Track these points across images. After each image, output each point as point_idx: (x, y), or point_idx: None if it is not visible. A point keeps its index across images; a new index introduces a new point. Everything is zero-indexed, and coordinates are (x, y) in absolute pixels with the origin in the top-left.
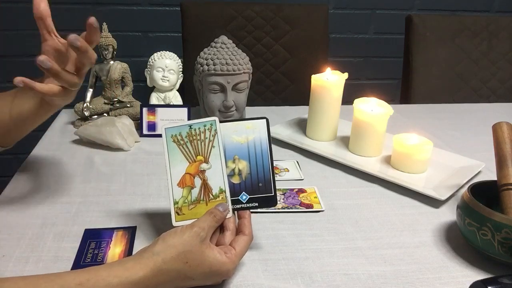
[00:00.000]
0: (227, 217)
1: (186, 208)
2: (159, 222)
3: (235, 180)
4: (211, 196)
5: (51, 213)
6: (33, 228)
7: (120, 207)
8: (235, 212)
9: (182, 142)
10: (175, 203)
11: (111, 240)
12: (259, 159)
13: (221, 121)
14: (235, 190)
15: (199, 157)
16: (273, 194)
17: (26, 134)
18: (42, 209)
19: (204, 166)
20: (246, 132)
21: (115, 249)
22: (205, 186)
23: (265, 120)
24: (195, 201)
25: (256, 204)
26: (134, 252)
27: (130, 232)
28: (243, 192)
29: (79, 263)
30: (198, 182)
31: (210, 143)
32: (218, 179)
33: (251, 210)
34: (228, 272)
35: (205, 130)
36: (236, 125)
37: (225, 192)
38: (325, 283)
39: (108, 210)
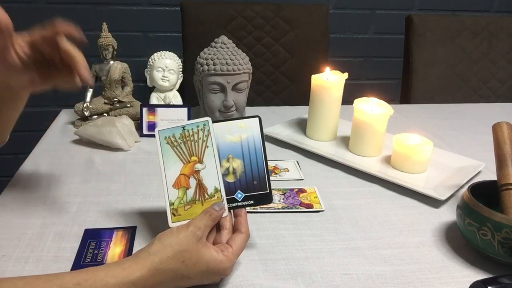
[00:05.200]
0: (223, 216)
1: (182, 209)
2: (159, 222)
3: (230, 179)
4: (206, 195)
5: (51, 213)
6: (33, 228)
7: (120, 207)
8: (231, 210)
9: (175, 143)
10: (171, 204)
11: (111, 240)
12: (253, 157)
13: (214, 121)
14: (230, 189)
15: (193, 158)
16: (268, 191)
17: (8, 126)
18: (42, 209)
19: (198, 166)
20: (239, 131)
21: (115, 249)
22: (200, 186)
23: (257, 118)
24: (191, 202)
25: (252, 202)
26: (134, 252)
27: (130, 232)
28: (238, 191)
29: (79, 263)
30: (193, 182)
31: (204, 143)
32: (213, 179)
33: (248, 209)
34: (226, 270)
35: (198, 131)
36: (229, 125)
37: (220, 191)
38: (325, 283)
39: (108, 210)
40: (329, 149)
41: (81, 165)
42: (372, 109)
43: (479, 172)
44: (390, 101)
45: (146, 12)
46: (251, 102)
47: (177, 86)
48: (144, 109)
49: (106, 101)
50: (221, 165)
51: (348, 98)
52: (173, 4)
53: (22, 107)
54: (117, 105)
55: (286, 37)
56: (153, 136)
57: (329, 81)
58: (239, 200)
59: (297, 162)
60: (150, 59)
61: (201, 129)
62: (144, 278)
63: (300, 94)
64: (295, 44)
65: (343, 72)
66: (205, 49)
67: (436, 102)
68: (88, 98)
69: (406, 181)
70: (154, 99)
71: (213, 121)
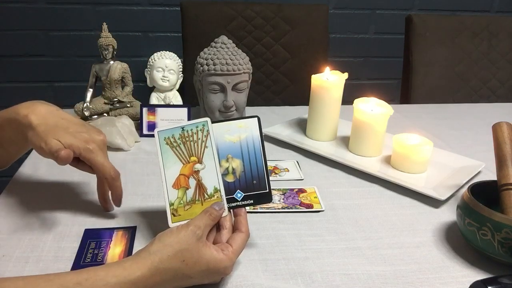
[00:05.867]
0: (223, 215)
1: (182, 209)
2: (159, 222)
3: (230, 178)
4: (206, 195)
5: (51, 213)
6: (33, 228)
7: (120, 207)
8: (231, 210)
9: (175, 144)
10: (171, 204)
11: (111, 240)
12: (252, 157)
13: (213, 122)
14: (229, 189)
15: (193, 158)
16: (267, 190)
17: (14, 157)
18: (42, 209)
19: (198, 166)
20: (239, 131)
21: (115, 249)
22: (200, 186)
23: (256, 118)
24: (191, 202)
25: (252, 201)
26: (134, 252)
27: (130, 232)
28: (238, 190)
29: (79, 263)
30: (192, 182)
31: (203, 143)
32: (212, 179)
33: (248, 209)
34: (226, 270)
35: (197, 131)
36: (228, 125)
37: (220, 191)
38: (325, 283)
39: None
40: (329, 149)
41: None
42: (372, 109)
43: (479, 172)
44: (390, 101)
45: (146, 12)
46: (251, 102)
47: (177, 86)
48: (144, 109)
49: (106, 101)
50: (220, 165)
51: (348, 98)
52: (173, 4)
53: None
54: (117, 105)
55: (286, 37)
56: (153, 136)
57: (329, 81)
58: (239, 200)
59: (297, 162)
60: (150, 59)
61: (200, 130)
62: (145, 278)
63: (300, 94)
64: (295, 44)
65: (343, 72)
66: (205, 49)
67: (436, 102)
68: (88, 98)
69: (406, 181)
70: (154, 99)
71: (213, 122)
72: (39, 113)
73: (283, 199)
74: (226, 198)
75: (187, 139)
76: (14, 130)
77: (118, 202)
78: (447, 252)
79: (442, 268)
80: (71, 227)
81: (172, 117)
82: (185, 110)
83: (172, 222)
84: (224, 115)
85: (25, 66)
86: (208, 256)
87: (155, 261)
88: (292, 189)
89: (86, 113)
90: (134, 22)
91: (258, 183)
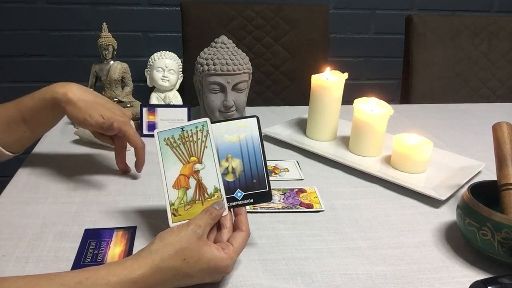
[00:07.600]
0: (223, 215)
1: (182, 209)
2: (159, 222)
3: (229, 178)
4: (206, 195)
5: (51, 213)
6: (33, 228)
7: (120, 207)
8: (231, 209)
9: (175, 144)
10: (171, 204)
11: (111, 240)
12: (252, 157)
13: (212, 122)
14: (229, 188)
15: (193, 158)
16: (267, 189)
17: (38, 137)
18: (42, 209)
19: (198, 166)
20: (238, 131)
21: (115, 249)
22: (200, 186)
23: (255, 118)
24: (191, 202)
25: (252, 200)
26: (134, 252)
27: (130, 232)
28: (238, 190)
29: (79, 263)
30: (192, 182)
31: (203, 143)
32: (212, 178)
33: (248, 209)
34: (227, 268)
35: (197, 132)
36: (227, 125)
37: (220, 190)
38: (325, 283)
39: (108, 210)
40: (329, 149)
41: (81, 165)
42: (372, 109)
43: (479, 172)
44: (390, 101)
45: (146, 12)
46: (251, 102)
47: (177, 86)
48: (144, 109)
49: None
50: (220, 165)
51: (348, 98)
52: (173, 4)
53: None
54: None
55: (286, 37)
56: (153, 136)
57: (329, 81)
58: (239, 199)
59: (297, 162)
60: (150, 59)
61: (200, 130)
62: (146, 277)
63: (300, 94)
64: (295, 44)
65: (343, 72)
66: (205, 49)
67: (436, 102)
68: None
69: (406, 181)
70: (154, 99)
71: (212, 122)
72: (76, 91)
73: (283, 199)
74: (226, 198)
75: (186, 139)
76: (50, 110)
77: (141, 167)
78: (447, 252)
79: (442, 268)
80: (71, 227)
81: (172, 117)
82: (185, 110)
83: (173, 222)
84: (224, 115)
85: (25, 66)
86: (209, 254)
87: (156, 260)
88: (292, 189)
89: None
90: (134, 22)
91: (258, 182)
